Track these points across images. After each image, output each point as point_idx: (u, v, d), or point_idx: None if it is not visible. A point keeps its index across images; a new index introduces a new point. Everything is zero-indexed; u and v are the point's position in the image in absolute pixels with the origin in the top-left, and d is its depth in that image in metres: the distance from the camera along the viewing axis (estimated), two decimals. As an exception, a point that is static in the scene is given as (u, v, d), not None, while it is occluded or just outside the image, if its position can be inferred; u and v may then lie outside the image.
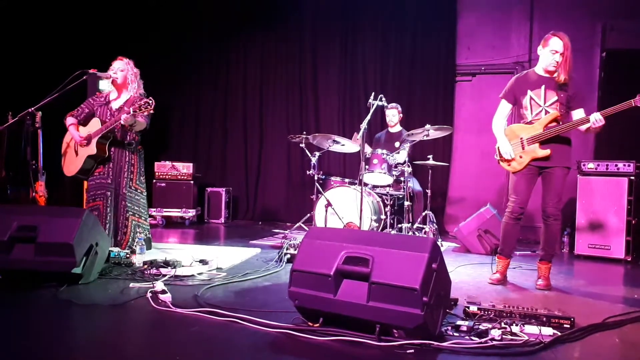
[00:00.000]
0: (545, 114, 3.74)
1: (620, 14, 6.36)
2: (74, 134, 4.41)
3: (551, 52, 3.69)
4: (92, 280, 3.51)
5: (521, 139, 3.80)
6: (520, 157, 3.81)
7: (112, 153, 4.41)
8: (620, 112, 3.55)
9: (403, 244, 2.54)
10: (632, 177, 5.20)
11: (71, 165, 4.50)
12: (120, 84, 4.48)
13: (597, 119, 3.55)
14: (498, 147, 3.94)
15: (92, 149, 4.32)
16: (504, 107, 3.98)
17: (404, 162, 5.56)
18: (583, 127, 3.70)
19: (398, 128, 6.27)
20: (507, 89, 3.95)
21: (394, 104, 6.25)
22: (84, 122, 4.49)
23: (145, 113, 4.27)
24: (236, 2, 7.89)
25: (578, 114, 3.77)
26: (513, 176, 3.89)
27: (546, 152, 3.71)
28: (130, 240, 4.38)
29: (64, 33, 7.24)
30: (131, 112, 4.11)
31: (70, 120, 4.48)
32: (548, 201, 3.80)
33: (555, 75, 3.72)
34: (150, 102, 4.11)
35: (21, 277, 3.35)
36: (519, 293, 3.69)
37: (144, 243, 4.27)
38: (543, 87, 3.76)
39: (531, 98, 3.79)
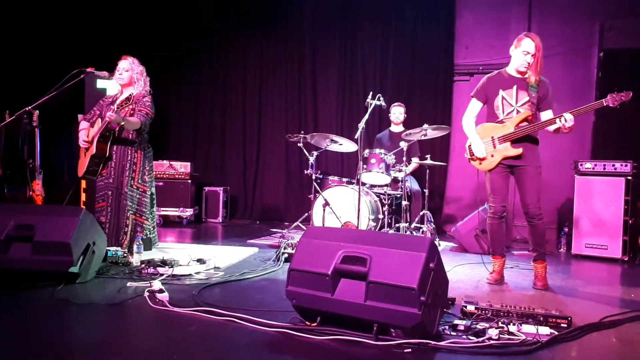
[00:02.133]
0: (517, 113, 3.77)
1: (618, 13, 6.37)
2: (80, 137, 4.46)
3: (523, 53, 3.72)
4: (89, 279, 3.50)
5: (492, 137, 3.83)
6: (492, 155, 3.84)
7: (113, 152, 4.40)
8: (609, 109, 3.57)
9: (401, 243, 2.54)
10: (629, 177, 5.21)
11: (81, 166, 4.53)
12: (126, 84, 4.49)
13: (566, 118, 3.56)
14: (469, 146, 3.98)
15: (93, 149, 4.32)
16: (475, 106, 4.01)
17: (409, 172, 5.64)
18: (552, 128, 3.71)
19: (401, 127, 6.28)
20: (479, 88, 3.98)
21: (400, 103, 6.30)
22: (94, 124, 4.52)
23: (142, 110, 4.26)
24: (236, 2, 7.88)
25: (546, 115, 3.81)
26: (488, 175, 3.91)
27: (518, 150, 3.73)
28: (129, 240, 4.37)
29: (62, 32, 7.23)
30: (115, 109, 4.08)
31: (82, 125, 4.55)
32: (528, 202, 3.80)
33: (527, 75, 3.76)
34: (137, 97, 4.14)
35: (18, 276, 3.34)
36: (516, 292, 3.69)
37: (141, 242, 4.26)
38: (515, 87, 3.79)
39: (503, 98, 3.82)
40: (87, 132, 4.48)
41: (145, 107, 4.35)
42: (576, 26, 6.52)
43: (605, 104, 3.52)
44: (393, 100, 6.46)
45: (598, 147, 6.29)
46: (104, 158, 4.36)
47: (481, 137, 3.89)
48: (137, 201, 4.47)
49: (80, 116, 4.54)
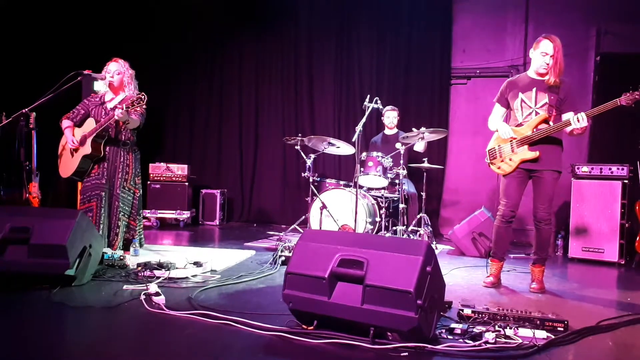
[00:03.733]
0: (536, 115, 3.76)
1: (615, 17, 6.40)
2: (68, 137, 4.39)
3: (542, 55, 3.72)
4: (85, 282, 3.49)
5: (511, 141, 3.82)
6: (510, 159, 3.82)
7: (107, 153, 4.39)
8: (607, 112, 3.56)
9: (397, 246, 2.54)
10: (626, 181, 5.23)
11: (67, 166, 4.47)
12: (117, 87, 4.46)
13: (579, 118, 3.54)
14: (489, 150, 3.96)
15: (87, 149, 4.29)
16: (498, 111, 4.01)
17: (424, 151, 5.73)
18: (569, 129, 3.68)
19: (395, 130, 6.30)
20: (500, 93, 3.99)
21: (393, 107, 6.29)
22: (79, 123, 4.46)
23: (139, 109, 4.25)
24: (232, 4, 7.88)
25: (568, 117, 3.78)
26: (503, 179, 3.90)
27: (535, 153, 3.71)
28: (120, 241, 4.35)
29: (58, 33, 7.21)
30: (124, 108, 4.09)
31: (66, 123, 4.45)
32: (539, 205, 3.81)
33: (547, 77, 3.75)
34: (143, 97, 4.08)
35: (14, 279, 3.32)
36: (513, 296, 3.69)
37: (137, 245, 4.25)
38: (534, 89, 3.78)
39: (522, 100, 3.81)
40: (72, 130, 4.44)
41: (141, 107, 4.34)
42: (573, 30, 6.54)
43: (619, 104, 3.49)
44: (390, 103, 6.47)
45: (595, 150, 6.31)
46: (97, 158, 4.34)
47: (500, 142, 3.89)
48: (129, 203, 4.46)
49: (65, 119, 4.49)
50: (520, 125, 3.81)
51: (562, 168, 3.84)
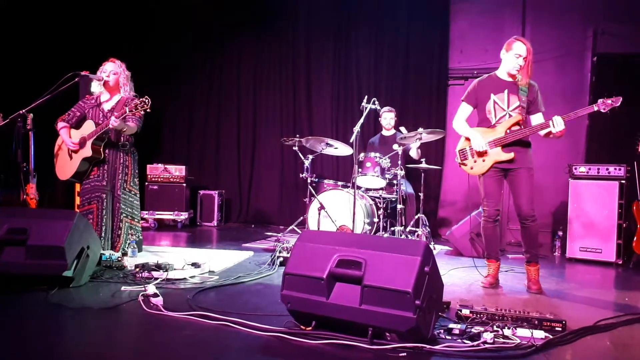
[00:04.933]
0: (509, 117, 3.79)
1: (612, 18, 6.41)
2: (65, 139, 4.37)
3: (515, 56, 3.75)
4: (83, 283, 3.48)
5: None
6: (484, 160, 3.85)
7: (107, 155, 4.39)
8: (603, 113, 3.58)
9: (396, 247, 2.54)
10: (623, 181, 5.24)
11: (65, 168, 4.46)
12: (113, 87, 4.46)
13: (556, 122, 3.58)
14: (459, 150, 3.99)
15: (88, 151, 4.29)
16: (465, 110, 4.02)
17: (418, 158, 5.76)
18: (542, 132, 3.72)
19: (392, 131, 6.30)
20: (469, 92, 3.99)
21: (390, 108, 6.30)
22: (76, 125, 4.46)
23: (137, 115, 4.25)
24: (230, 5, 7.88)
25: (536, 118, 3.86)
26: (482, 180, 3.92)
27: (510, 155, 3.76)
28: (123, 242, 4.36)
29: (56, 34, 7.20)
30: (120, 116, 4.08)
31: (61, 125, 4.45)
32: (520, 204, 3.82)
33: (518, 79, 3.79)
34: (147, 100, 4.06)
35: (11, 280, 3.31)
36: (511, 296, 3.70)
37: (135, 246, 4.24)
38: (506, 91, 3.81)
39: (495, 102, 3.84)
40: (68, 132, 4.43)
41: (144, 110, 4.34)
42: (570, 31, 6.55)
43: (595, 109, 3.55)
44: (387, 103, 6.48)
45: (592, 150, 6.32)
46: (96, 160, 4.34)
47: (471, 143, 3.91)
48: (130, 204, 4.47)
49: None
50: (493, 126, 3.84)
51: (533, 166, 3.86)
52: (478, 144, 3.83)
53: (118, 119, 4.07)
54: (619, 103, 3.51)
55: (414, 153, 5.92)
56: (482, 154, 3.83)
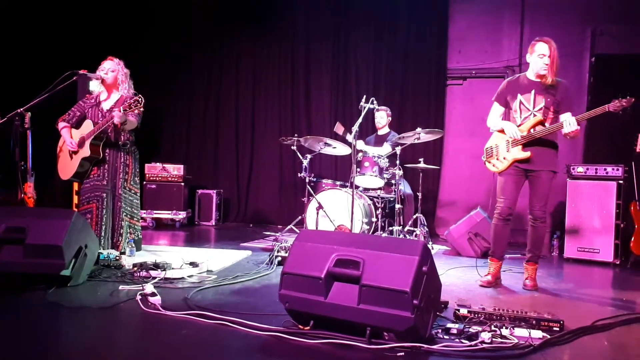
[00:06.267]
0: (533, 117, 3.81)
1: (610, 19, 6.42)
2: (66, 138, 4.39)
3: (539, 57, 3.78)
4: (81, 282, 3.48)
5: (507, 141, 3.89)
6: (504, 158, 3.89)
7: (106, 154, 4.38)
8: (598, 116, 3.62)
9: (394, 246, 2.54)
10: (621, 181, 5.25)
11: (66, 168, 4.46)
12: (111, 85, 4.45)
13: (570, 122, 3.60)
14: (486, 149, 4.03)
15: (86, 151, 4.29)
16: (496, 110, 4.06)
17: (386, 156, 5.66)
18: (563, 132, 3.73)
19: (386, 130, 6.30)
20: (499, 92, 4.03)
21: (383, 107, 6.29)
22: (76, 125, 4.46)
23: (136, 111, 4.24)
24: (229, 5, 7.88)
25: (565, 118, 3.82)
26: (500, 178, 3.95)
27: (526, 154, 3.78)
28: (123, 241, 4.36)
29: (54, 33, 7.19)
30: (122, 111, 4.09)
31: (62, 125, 4.46)
32: (534, 204, 3.86)
33: (544, 78, 3.79)
34: (140, 99, 4.08)
35: (9, 279, 3.30)
36: (509, 296, 3.70)
37: (134, 245, 4.24)
38: (533, 91, 3.83)
39: (521, 102, 3.86)
40: (69, 132, 4.43)
41: (138, 109, 4.33)
42: (568, 31, 6.56)
43: (607, 110, 3.57)
44: (386, 103, 6.48)
45: (590, 151, 6.33)
46: (95, 160, 4.33)
47: (497, 141, 3.95)
48: (130, 203, 4.47)
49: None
50: (518, 126, 3.86)
51: (557, 168, 3.89)
52: (512, 131, 3.82)
53: (120, 113, 4.07)
54: (631, 103, 3.53)
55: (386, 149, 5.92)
56: (505, 152, 3.86)
